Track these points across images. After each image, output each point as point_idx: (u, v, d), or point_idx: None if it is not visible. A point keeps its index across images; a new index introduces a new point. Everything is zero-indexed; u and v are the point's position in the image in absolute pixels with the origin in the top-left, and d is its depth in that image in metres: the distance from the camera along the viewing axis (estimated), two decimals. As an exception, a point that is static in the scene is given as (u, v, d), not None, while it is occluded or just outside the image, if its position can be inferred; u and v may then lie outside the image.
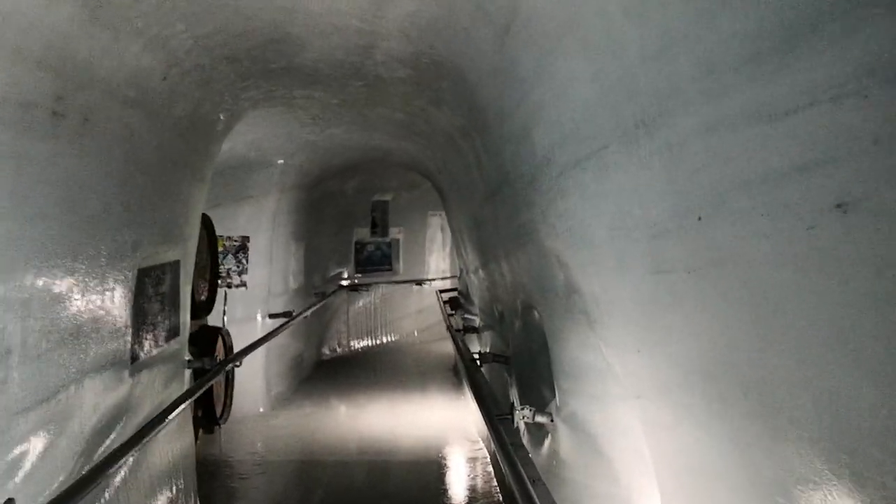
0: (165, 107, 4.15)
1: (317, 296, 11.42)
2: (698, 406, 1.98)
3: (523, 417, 4.03)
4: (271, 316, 8.94)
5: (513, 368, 5.77)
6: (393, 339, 14.55)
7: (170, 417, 4.38)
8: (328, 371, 12.14)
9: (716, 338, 1.80)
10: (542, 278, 3.93)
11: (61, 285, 3.15)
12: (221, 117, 5.28)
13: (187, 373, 5.45)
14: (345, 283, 13.32)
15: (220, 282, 7.81)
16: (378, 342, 14.28)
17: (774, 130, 1.38)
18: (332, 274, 12.99)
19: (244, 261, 8.56)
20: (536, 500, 2.80)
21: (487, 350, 7.29)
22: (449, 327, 8.44)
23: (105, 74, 3.25)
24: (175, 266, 4.99)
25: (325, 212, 11.99)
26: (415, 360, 13.27)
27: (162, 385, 4.77)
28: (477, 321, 8.72)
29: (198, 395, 5.21)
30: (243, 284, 8.57)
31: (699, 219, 1.73)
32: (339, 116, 6.79)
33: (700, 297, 1.85)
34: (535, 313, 4.46)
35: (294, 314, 9.05)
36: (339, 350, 13.37)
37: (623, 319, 2.61)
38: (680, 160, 1.81)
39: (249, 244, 8.62)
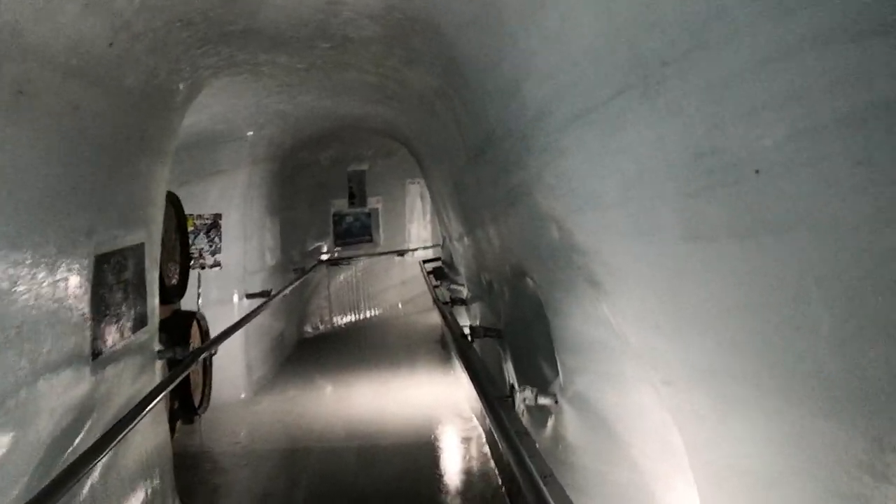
0: (115, 76, 3.75)
1: (295, 272, 11.04)
2: (748, 398, 1.66)
3: (525, 400, 3.71)
4: (248, 296, 8.54)
5: (506, 342, 5.46)
6: (377, 312, 14.19)
7: (141, 415, 4.04)
8: (311, 350, 11.76)
9: (776, 317, 1.47)
10: (538, 245, 3.61)
11: (2, 279, 2.79)
12: (181, 87, 4.88)
13: (159, 364, 5.09)
14: (324, 257, 12.94)
15: (192, 263, 7.43)
16: (361, 317, 13.91)
17: (878, 46, 1.04)
18: (311, 248, 12.60)
19: (217, 239, 8.16)
20: (549, 499, 2.47)
21: (477, 323, 6.97)
22: (435, 300, 8.07)
23: (39, 41, 2.86)
24: (139, 250, 4.62)
25: (300, 184, 11.57)
26: (400, 333, 12.95)
27: (131, 380, 4.42)
28: (464, 292, 8.40)
29: (171, 387, 4.86)
30: (217, 265, 8.18)
31: (756, 172, 1.39)
32: (307, 82, 6.39)
33: (754, 269, 1.52)
34: (529, 280, 4.14)
35: (272, 293, 8.65)
36: (321, 327, 13.00)
37: (642, 292, 2.28)
38: (725, 101, 1.47)
39: (222, 221, 8.21)
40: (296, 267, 11.21)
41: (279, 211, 10.29)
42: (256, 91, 6.59)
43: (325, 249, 13.05)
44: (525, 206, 3.59)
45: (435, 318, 11.29)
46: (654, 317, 2.17)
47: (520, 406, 3.84)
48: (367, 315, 13.99)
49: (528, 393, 3.77)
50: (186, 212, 7.25)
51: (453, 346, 5.77)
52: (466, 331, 6.03)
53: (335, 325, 13.30)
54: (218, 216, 8.16)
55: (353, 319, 13.72)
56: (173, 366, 5.35)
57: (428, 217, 15.00)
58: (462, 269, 8.74)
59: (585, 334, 3.09)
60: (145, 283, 4.72)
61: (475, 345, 5.83)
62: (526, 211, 3.61)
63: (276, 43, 4.86)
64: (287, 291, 9.29)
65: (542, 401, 3.66)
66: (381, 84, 6.17)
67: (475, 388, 4.16)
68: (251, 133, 8.13)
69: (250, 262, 8.90)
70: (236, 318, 7.46)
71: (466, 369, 4.57)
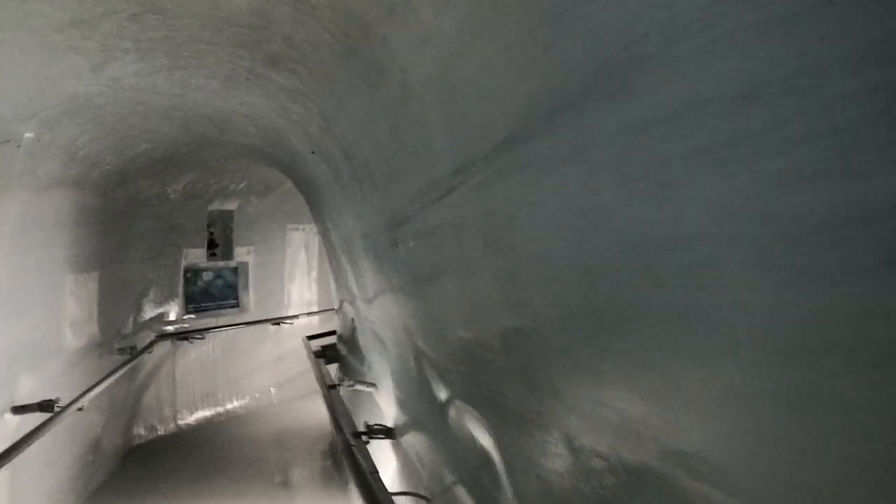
0: None
1: (122, 352, 7.56)
2: None
3: None
4: (16, 410, 5.04)
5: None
6: (242, 402, 10.57)
7: None
8: (141, 466, 8.03)
9: None
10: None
11: None
12: None
13: None
14: (170, 328, 9.41)
15: None
16: (219, 410, 10.24)
17: None
18: (150, 317, 9.01)
19: (-47, 315, 4.69)
20: None
21: (423, 487, 3.79)
22: (345, 446, 4.40)
23: None
24: None
25: (136, 226, 8.14)
26: (274, 435, 9.35)
27: None
28: (387, 407, 5.21)
29: None
30: (-51, 361, 4.68)
31: None
32: (109, 15, 3.20)
33: None
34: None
35: (61, 404, 5.19)
36: (160, 428, 9.24)
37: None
38: None
39: (-35, 285, 4.75)
40: (123, 347, 7.70)
41: (97, 264, 6.86)
42: (17, 35, 3.36)
43: (171, 318, 9.52)
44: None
45: (319, 407, 8.13)
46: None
47: None
48: (229, 407, 10.37)
49: None
50: None
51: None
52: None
53: (181, 424, 9.59)
54: (-45, 274, 4.71)
55: (208, 416, 10.03)
56: None
57: (314, 274, 11.70)
58: (373, 358, 5.64)
59: None
60: None
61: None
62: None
63: None
64: (85, 401, 5.74)
65: None
66: (258, 21, 3.05)
67: None
68: (31, 134, 4.76)
69: (29, 350, 5.37)
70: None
71: None
